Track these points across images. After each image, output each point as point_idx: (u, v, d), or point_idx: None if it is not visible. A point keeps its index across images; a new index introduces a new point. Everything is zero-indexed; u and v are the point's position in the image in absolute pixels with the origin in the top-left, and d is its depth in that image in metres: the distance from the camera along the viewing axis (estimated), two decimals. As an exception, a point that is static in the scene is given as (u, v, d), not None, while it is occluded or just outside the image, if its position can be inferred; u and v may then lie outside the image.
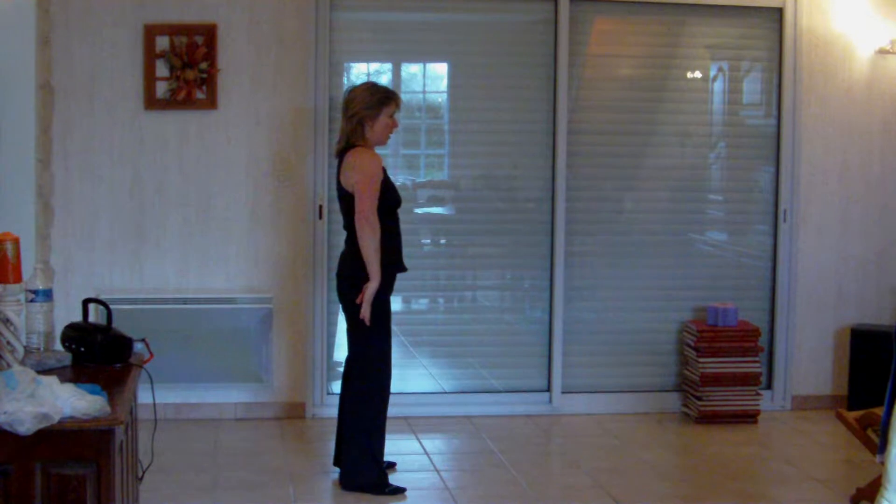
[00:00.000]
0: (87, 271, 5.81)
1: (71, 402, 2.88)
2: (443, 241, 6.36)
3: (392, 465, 5.14)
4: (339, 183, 4.81)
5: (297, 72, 5.89)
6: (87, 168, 5.79)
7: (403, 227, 4.90)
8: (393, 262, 4.78)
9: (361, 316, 4.70)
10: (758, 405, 6.14)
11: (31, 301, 3.51)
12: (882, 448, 3.79)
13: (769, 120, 6.38)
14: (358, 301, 4.70)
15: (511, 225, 6.26)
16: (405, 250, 4.93)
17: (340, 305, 4.98)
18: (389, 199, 4.79)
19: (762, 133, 6.41)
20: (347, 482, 4.85)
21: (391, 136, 4.91)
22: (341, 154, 4.80)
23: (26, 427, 2.80)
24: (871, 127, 6.39)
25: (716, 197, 6.50)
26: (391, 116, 4.80)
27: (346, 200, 4.77)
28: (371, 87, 4.84)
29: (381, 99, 4.77)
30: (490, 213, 6.28)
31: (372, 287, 4.67)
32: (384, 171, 4.80)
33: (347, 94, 4.88)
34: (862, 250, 6.43)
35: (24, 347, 3.41)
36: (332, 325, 6.01)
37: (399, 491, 4.84)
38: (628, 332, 6.33)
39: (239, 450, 5.43)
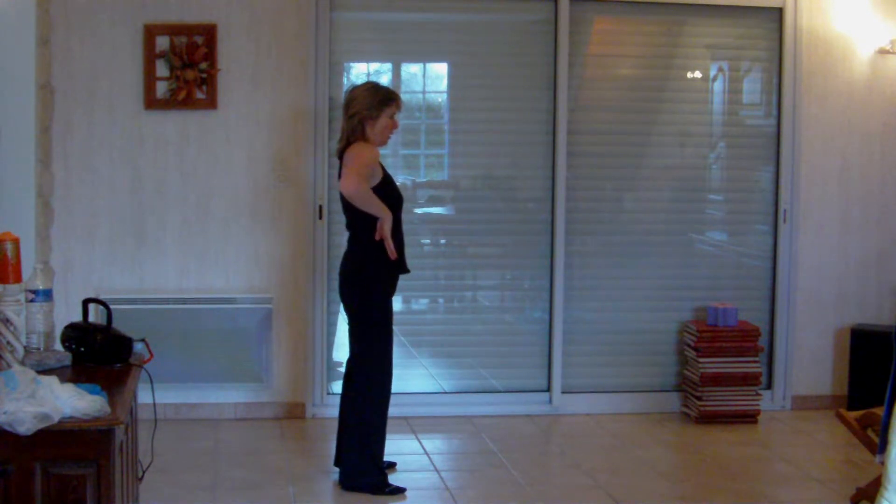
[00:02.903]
0: (87, 271, 5.81)
1: (71, 402, 2.88)
2: (443, 241, 6.36)
3: (392, 465, 5.14)
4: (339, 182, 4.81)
5: (297, 72, 5.89)
6: (87, 168, 5.79)
7: (404, 227, 4.89)
8: (395, 264, 4.78)
9: (379, 235, 4.67)
10: (758, 405, 6.14)
11: (31, 301, 3.51)
12: (882, 448, 3.79)
13: (769, 120, 6.38)
14: (377, 237, 4.68)
15: (511, 225, 6.26)
16: (406, 250, 4.93)
17: (342, 305, 4.98)
18: (391, 197, 4.78)
19: (762, 133, 6.41)
20: (347, 482, 4.86)
21: (391, 136, 4.91)
22: (342, 153, 4.80)
23: (26, 427, 2.80)
24: (871, 127, 6.39)
25: (716, 197, 6.50)
26: (392, 117, 4.80)
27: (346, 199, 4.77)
28: (372, 87, 4.85)
29: (382, 99, 4.77)
30: (490, 213, 6.28)
31: (386, 222, 4.65)
32: (385, 169, 4.81)
33: (348, 93, 4.87)
34: (862, 250, 6.43)
35: (24, 347, 3.41)
36: (332, 325, 6.01)
37: (399, 491, 4.84)
38: (628, 332, 6.33)
39: (239, 450, 5.43)
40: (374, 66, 6.32)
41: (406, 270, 4.87)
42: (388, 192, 4.76)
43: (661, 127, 6.32)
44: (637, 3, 6.21)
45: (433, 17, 6.23)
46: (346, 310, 4.90)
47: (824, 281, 6.41)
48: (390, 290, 4.85)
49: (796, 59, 6.27)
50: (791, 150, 6.30)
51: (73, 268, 5.80)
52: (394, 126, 4.83)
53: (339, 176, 4.80)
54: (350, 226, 4.83)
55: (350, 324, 4.87)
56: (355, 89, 4.85)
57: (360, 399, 4.84)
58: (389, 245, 4.69)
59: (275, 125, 5.90)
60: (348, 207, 4.79)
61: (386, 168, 4.85)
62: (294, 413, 5.99)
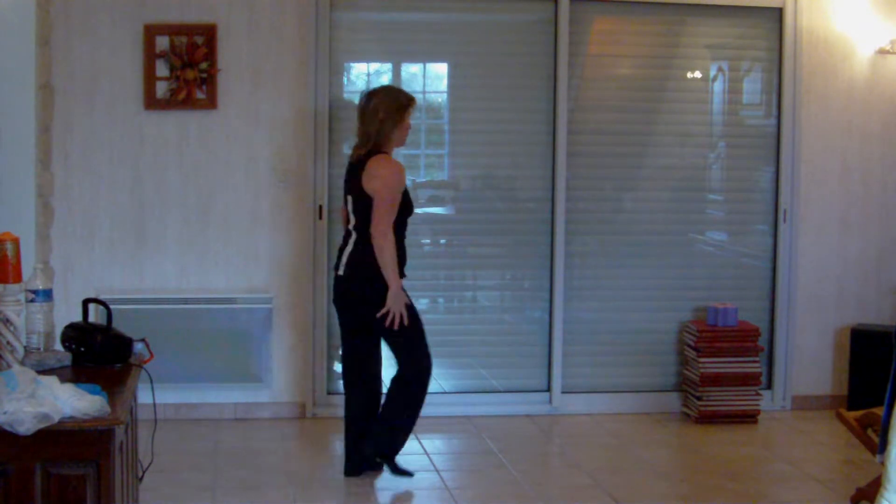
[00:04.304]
0: (87, 271, 5.81)
1: (71, 402, 2.88)
2: (443, 241, 6.36)
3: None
4: (357, 186, 4.82)
5: (297, 72, 5.89)
6: (87, 168, 5.79)
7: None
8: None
9: (388, 322, 4.82)
10: (758, 405, 6.14)
11: (31, 301, 3.51)
12: (882, 448, 3.79)
13: (769, 120, 6.38)
14: (380, 315, 4.80)
15: (511, 225, 6.26)
16: (406, 251, 4.98)
17: (359, 312, 4.95)
18: (405, 208, 4.90)
19: (762, 133, 6.41)
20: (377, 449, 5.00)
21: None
22: (365, 158, 4.82)
23: (26, 427, 2.79)
24: (871, 127, 6.39)
25: (716, 197, 6.50)
26: (409, 118, 4.94)
27: (366, 203, 4.79)
28: (394, 91, 5.00)
29: (405, 102, 4.90)
30: (490, 213, 6.28)
31: (392, 291, 4.79)
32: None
33: (369, 98, 4.91)
34: (862, 250, 6.43)
35: (24, 347, 3.41)
36: (332, 325, 5.99)
37: (406, 473, 5.02)
38: (628, 332, 6.33)
39: (239, 450, 5.43)
40: (374, 66, 6.31)
41: (402, 276, 4.91)
42: (403, 203, 4.88)
43: (661, 127, 6.32)
44: (637, 3, 6.21)
45: (433, 17, 6.23)
46: (370, 313, 4.87)
47: (824, 281, 6.41)
48: None
49: (796, 59, 6.26)
50: (791, 150, 6.30)
51: (73, 268, 5.79)
52: (409, 127, 4.97)
53: (359, 179, 4.81)
54: (363, 227, 4.84)
55: (388, 333, 4.91)
56: (377, 93, 4.92)
57: (412, 386, 4.98)
58: (400, 313, 4.84)
59: (275, 125, 5.90)
60: (365, 211, 4.80)
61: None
62: (294, 413, 5.99)
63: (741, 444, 5.74)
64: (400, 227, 4.86)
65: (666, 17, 6.27)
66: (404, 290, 4.89)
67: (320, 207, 5.93)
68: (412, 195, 6.13)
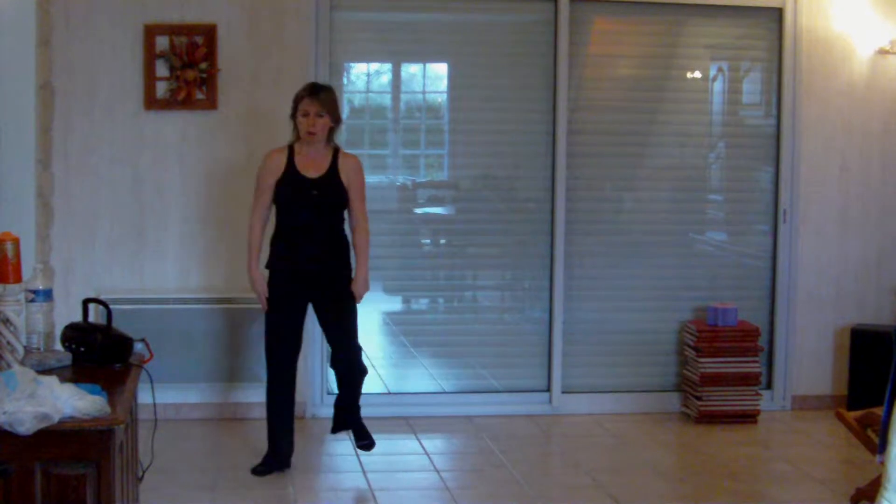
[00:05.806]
0: (87, 271, 5.81)
1: (71, 402, 2.88)
2: (443, 241, 6.36)
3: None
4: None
5: (297, 72, 5.88)
6: (87, 168, 5.79)
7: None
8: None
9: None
10: (758, 405, 6.15)
11: (31, 301, 3.51)
12: (882, 448, 3.79)
13: (769, 120, 6.38)
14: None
15: (511, 225, 6.26)
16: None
17: (338, 297, 5.08)
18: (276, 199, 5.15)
19: (762, 133, 6.41)
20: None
21: (307, 129, 4.98)
22: None
23: (26, 427, 2.80)
24: (871, 127, 6.39)
25: (716, 197, 6.51)
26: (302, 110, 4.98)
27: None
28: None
29: (297, 94, 5.01)
30: (490, 213, 6.28)
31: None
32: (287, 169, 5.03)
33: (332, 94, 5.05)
34: (862, 250, 6.43)
35: (25, 347, 3.41)
36: (332, 325, 6.00)
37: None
38: (628, 332, 6.33)
39: (239, 450, 5.43)
40: (374, 66, 6.32)
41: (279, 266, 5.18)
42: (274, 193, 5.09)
43: (661, 127, 6.32)
44: (637, 3, 6.21)
45: (433, 17, 6.23)
46: (347, 301, 5.00)
47: (824, 281, 6.41)
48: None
49: (796, 59, 6.27)
50: (791, 150, 6.30)
51: (73, 268, 5.79)
52: (304, 116, 4.98)
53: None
54: (336, 225, 5.00)
55: (351, 313, 5.04)
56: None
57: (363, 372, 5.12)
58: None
59: (275, 125, 5.89)
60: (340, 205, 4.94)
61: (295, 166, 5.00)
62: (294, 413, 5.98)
63: (741, 444, 5.74)
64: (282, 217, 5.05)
65: (666, 17, 6.27)
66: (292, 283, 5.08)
67: (320, 207, 5.92)
68: (412, 195, 6.17)
